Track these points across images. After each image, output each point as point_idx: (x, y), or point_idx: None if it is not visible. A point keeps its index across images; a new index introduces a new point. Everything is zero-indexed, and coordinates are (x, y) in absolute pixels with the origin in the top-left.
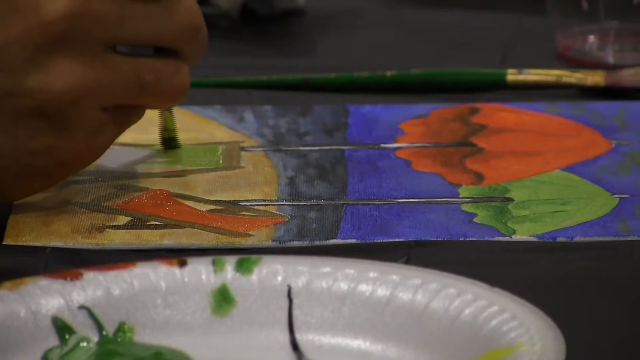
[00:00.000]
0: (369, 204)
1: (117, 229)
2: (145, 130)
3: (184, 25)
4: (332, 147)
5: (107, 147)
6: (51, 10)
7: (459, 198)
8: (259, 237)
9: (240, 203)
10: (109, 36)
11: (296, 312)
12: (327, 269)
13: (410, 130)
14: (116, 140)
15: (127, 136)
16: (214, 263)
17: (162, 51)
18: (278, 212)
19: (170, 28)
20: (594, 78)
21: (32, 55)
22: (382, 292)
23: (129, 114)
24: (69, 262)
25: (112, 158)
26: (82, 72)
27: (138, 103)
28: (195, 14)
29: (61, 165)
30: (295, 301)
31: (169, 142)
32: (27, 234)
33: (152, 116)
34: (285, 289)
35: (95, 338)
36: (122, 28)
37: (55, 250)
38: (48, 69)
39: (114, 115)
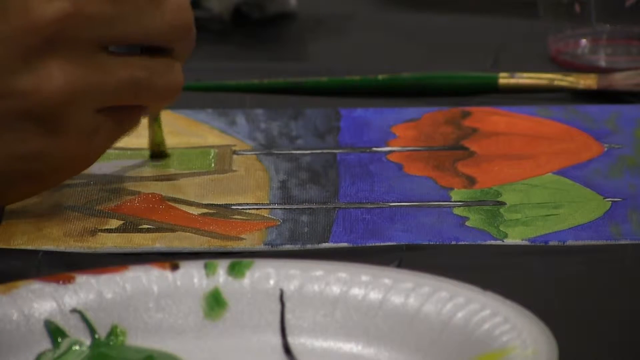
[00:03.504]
0: (360, 207)
1: (110, 232)
2: (137, 134)
3: (175, 22)
4: (324, 151)
5: (103, 151)
6: (42, 13)
7: (450, 202)
8: (251, 240)
9: (232, 207)
10: (100, 36)
11: (288, 316)
12: (319, 273)
13: (402, 133)
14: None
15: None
16: (206, 267)
17: (154, 50)
18: (270, 216)
19: (161, 26)
20: (586, 81)
21: (22, 57)
22: (374, 295)
23: (125, 117)
24: (62, 266)
25: (104, 163)
26: (73, 73)
27: (132, 103)
28: (186, 11)
29: (54, 169)
30: (288, 305)
31: (158, 155)
32: (19, 237)
33: (142, 120)
34: (278, 293)
35: (87, 341)
36: (113, 28)
37: (48, 253)
38: (38, 71)
39: (109, 117)
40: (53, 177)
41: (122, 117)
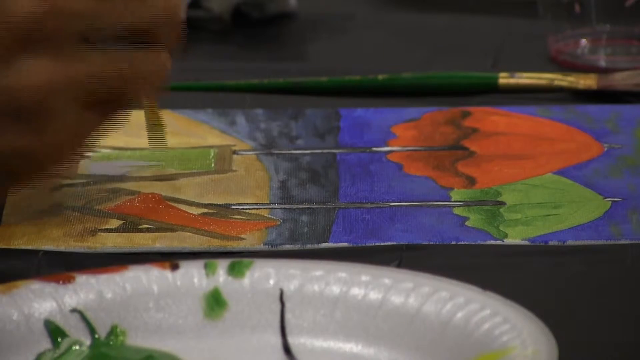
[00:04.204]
0: (360, 207)
1: (109, 232)
2: (137, 134)
3: (160, 13)
4: (324, 151)
5: (90, 147)
6: (17, 9)
7: (450, 202)
8: (251, 240)
9: (232, 207)
10: (80, 30)
11: (288, 316)
12: (319, 273)
13: (402, 133)
14: (109, 145)
15: (120, 140)
16: (206, 266)
17: (137, 38)
18: (270, 216)
19: (145, 17)
20: (586, 81)
21: (1, 53)
22: (374, 295)
23: (110, 111)
24: (62, 266)
25: (104, 163)
26: (53, 67)
27: (117, 93)
28: (170, 1)
29: (39, 166)
30: (288, 304)
31: (156, 135)
32: (19, 237)
33: (140, 121)
34: (278, 293)
35: (87, 341)
36: (94, 21)
37: (48, 253)
38: (17, 67)
39: (94, 112)
40: (37, 175)
41: (108, 111)
